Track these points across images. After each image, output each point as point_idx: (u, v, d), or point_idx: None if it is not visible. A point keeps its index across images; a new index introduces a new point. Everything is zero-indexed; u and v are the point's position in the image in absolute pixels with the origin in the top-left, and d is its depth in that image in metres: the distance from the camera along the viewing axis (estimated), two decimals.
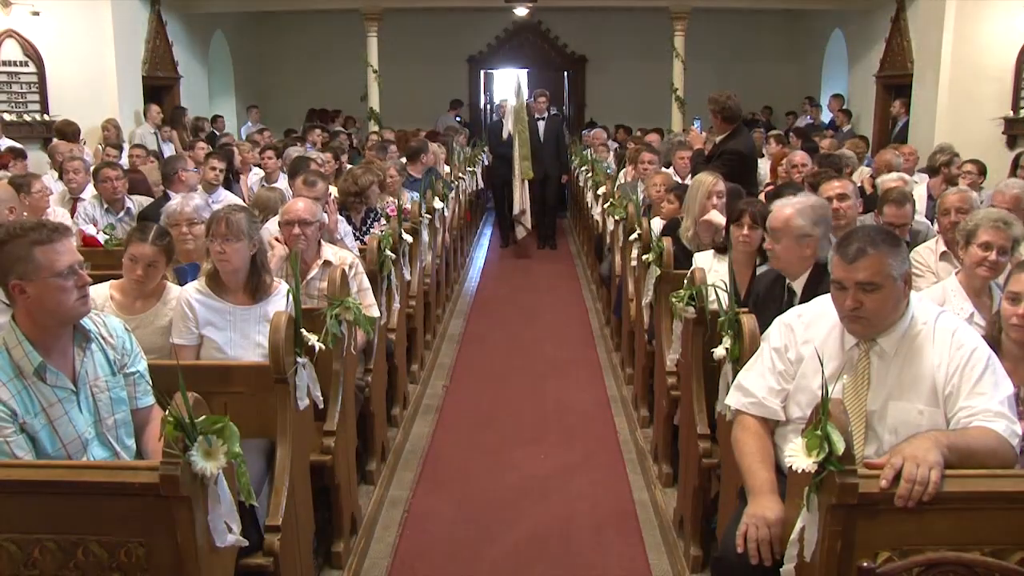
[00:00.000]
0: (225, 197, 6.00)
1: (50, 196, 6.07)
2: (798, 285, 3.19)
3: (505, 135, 9.79)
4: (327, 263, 3.97)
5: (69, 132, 8.40)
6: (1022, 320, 2.56)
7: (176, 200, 3.96)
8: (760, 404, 2.47)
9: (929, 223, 4.89)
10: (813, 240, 3.18)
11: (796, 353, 2.45)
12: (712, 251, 4.08)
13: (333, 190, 5.69)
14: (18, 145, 7.54)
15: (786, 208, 3.24)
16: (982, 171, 6.17)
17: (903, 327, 2.33)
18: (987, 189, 5.84)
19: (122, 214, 5.63)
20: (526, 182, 9.51)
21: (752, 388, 2.49)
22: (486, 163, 11.40)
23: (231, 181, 7.07)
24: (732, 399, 2.57)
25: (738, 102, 5.59)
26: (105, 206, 5.63)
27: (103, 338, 2.49)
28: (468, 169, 10.23)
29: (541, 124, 10.01)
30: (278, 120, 13.83)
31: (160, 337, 3.26)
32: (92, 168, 6.26)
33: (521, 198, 9.52)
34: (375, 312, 4.03)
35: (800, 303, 2.80)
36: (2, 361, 2.29)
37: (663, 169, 6.74)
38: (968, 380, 2.22)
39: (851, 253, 2.30)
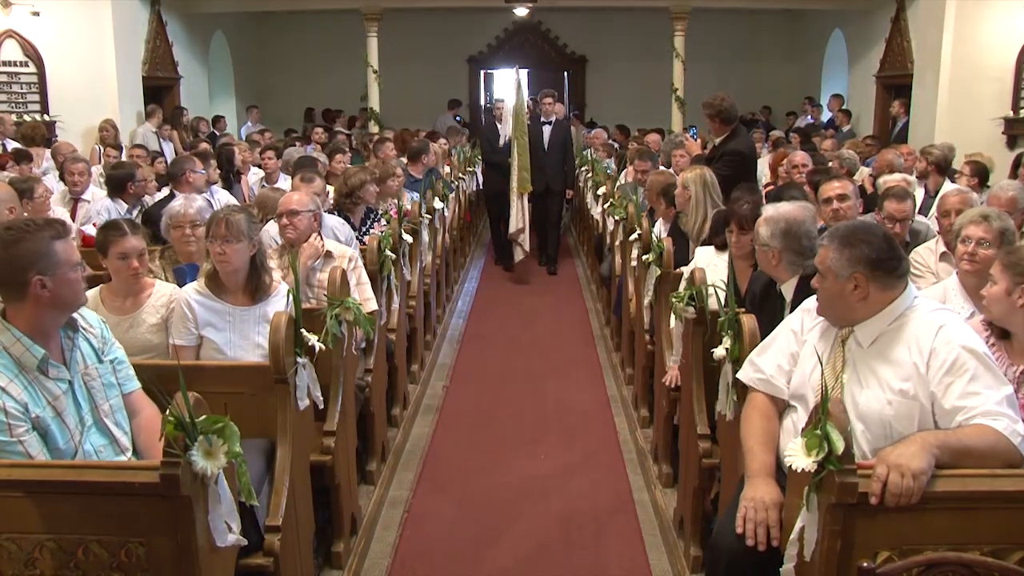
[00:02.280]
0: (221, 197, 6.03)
1: (51, 197, 6.09)
2: (786, 290, 3.20)
3: (502, 141, 8.59)
4: (328, 254, 4.07)
5: (38, 136, 8.24)
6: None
7: (179, 201, 3.96)
8: (768, 382, 2.53)
9: (928, 223, 4.89)
10: (772, 251, 3.15)
11: (804, 337, 2.52)
12: (712, 247, 4.09)
13: (330, 190, 5.69)
14: (24, 148, 7.54)
15: (765, 212, 3.27)
16: (976, 172, 6.13)
17: (883, 321, 2.33)
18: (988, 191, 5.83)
19: (136, 211, 5.64)
20: (524, 196, 8.26)
21: (763, 365, 2.56)
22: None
23: (231, 181, 7.08)
24: (743, 372, 2.63)
25: (733, 103, 5.58)
26: (126, 206, 5.63)
27: (84, 328, 2.52)
28: (468, 170, 10.16)
29: (547, 129, 8.76)
30: (278, 120, 13.84)
31: (154, 335, 3.25)
32: (113, 165, 6.26)
33: (519, 215, 8.23)
34: (373, 305, 4.07)
35: (791, 309, 2.82)
36: (5, 360, 2.28)
37: (662, 168, 6.73)
38: (961, 379, 2.19)
39: (820, 239, 2.47)
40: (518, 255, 8.47)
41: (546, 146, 8.71)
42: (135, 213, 5.59)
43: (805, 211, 3.28)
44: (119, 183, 5.72)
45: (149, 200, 5.90)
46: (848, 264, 2.32)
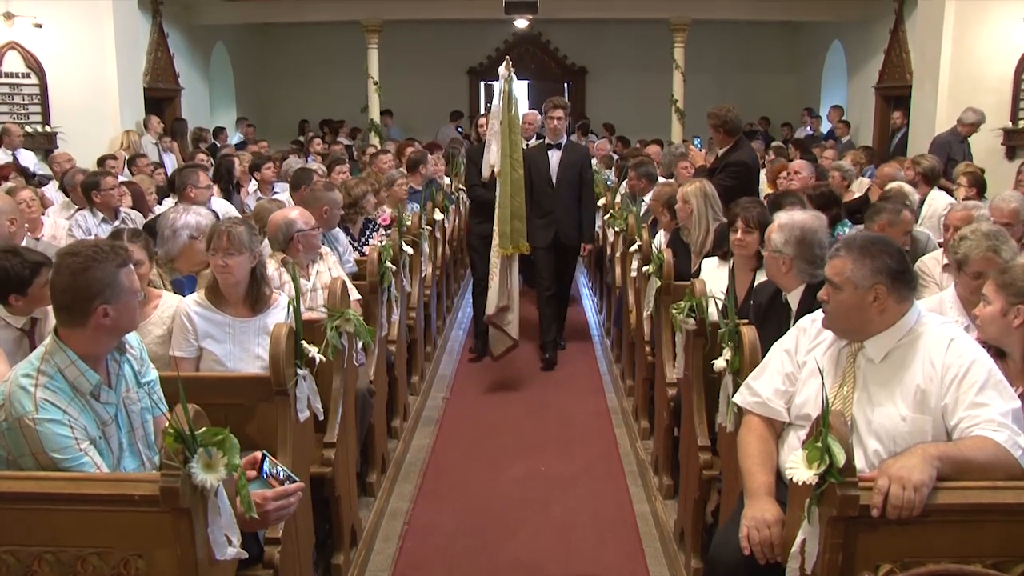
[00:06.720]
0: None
1: (52, 206, 6.10)
2: (792, 299, 3.20)
3: (487, 171, 5.64)
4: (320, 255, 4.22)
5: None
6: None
7: (198, 217, 3.95)
8: (764, 404, 2.51)
9: (929, 233, 4.91)
10: (784, 258, 3.15)
11: (803, 357, 2.49)
12: (716, 258, 4.11)
13: None
14: (31, 170, 7.56)
15: (779, 219, 3.27)
16: (974, 183, 6.14)
17: (894, 335, 2.33)
18: (988, 201, 5.83)
19: (117, 223, 5.60)
20: (515, 259, 5.58)
21: (759, 388, 2.54)
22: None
23: (231, 192, 7.09)
24: (739, 397, 2.61)
25: (737, 114, 5.60)
26: (101, 216, 5.60)
27: (127, 349, 2.50)
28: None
29: (553, 156, 6.02)
30: (279, 132, 13.88)
31: (160, 346, 3.26)
32: (87, 175, 6.22)
33: (502, 287, 5.48)
34: (354, 294, 4.09)
35: (796, 318, 2.81)
36: (60, 383, 2.26)
37: (661, 179, 6.73)
38: (968, 392, 2.19)
39: (832, 251, 2.44)
40: (498, 345, 5.66)
41: (554, 180, 6.03)
42: (116, 223, 5.52)
43: (818, 221, 3.30)
44: (85, 193, 5.66)
45: (132, 214, 5.84)
46: (870, 275, 2.30)
